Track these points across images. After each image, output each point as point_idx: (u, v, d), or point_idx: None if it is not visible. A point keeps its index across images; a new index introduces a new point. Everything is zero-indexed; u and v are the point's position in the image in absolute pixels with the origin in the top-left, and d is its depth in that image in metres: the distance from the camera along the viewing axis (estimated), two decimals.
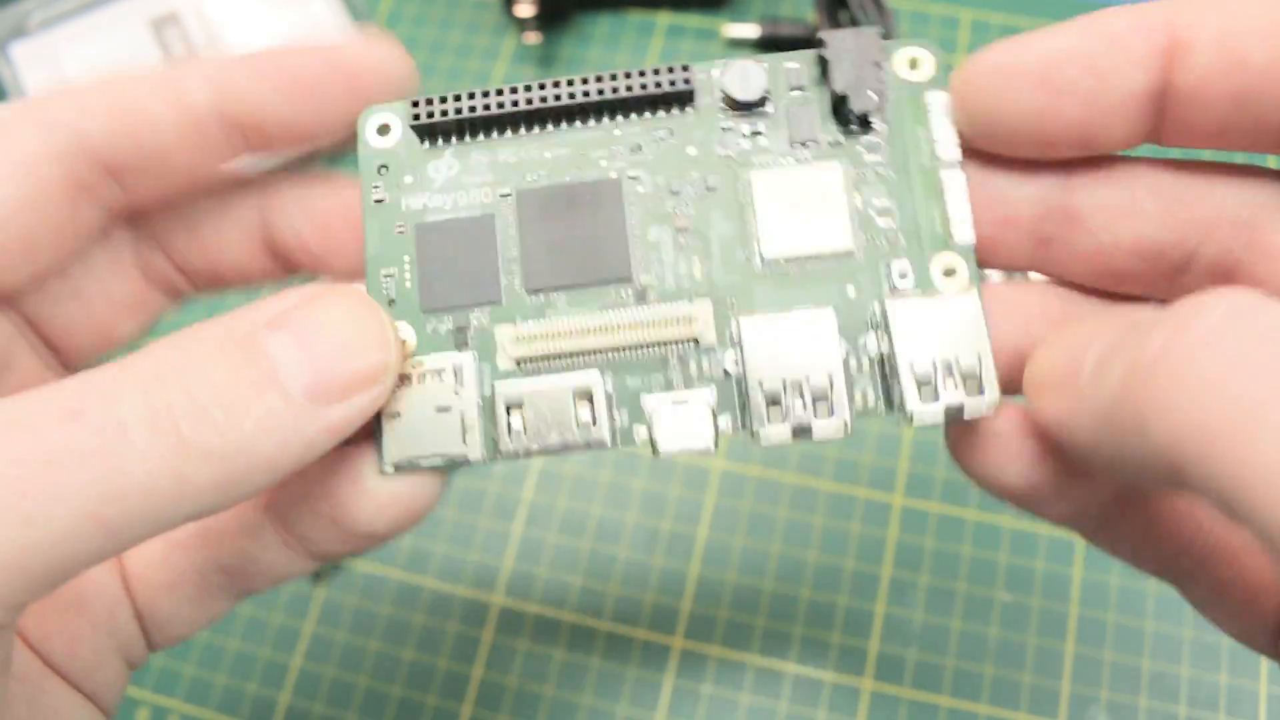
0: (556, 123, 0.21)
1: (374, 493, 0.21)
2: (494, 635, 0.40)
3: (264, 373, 0.18)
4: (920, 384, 0.19)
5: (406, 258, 0.21)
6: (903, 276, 0.20)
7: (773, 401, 0.19)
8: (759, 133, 0.21)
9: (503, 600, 0.40)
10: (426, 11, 0.53)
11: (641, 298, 0.20)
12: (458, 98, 0.21)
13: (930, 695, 0.38)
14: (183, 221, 0.24)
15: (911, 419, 0.19)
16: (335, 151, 0.23)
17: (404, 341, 0.21)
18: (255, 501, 0.23)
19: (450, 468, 0.20)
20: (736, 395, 0.20)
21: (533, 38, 0.50)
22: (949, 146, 0.20)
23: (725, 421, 0.20)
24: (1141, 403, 0.15)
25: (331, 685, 0.40)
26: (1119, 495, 0.21)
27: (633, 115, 0.21)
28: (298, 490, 0.22)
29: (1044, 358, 0.19)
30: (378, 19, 0.53)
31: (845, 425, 0.19)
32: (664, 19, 0.51)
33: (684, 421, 0.19)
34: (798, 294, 0.20)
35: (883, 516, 0.40)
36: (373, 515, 0.21)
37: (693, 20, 0.51)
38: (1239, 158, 0.20)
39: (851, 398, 0.20)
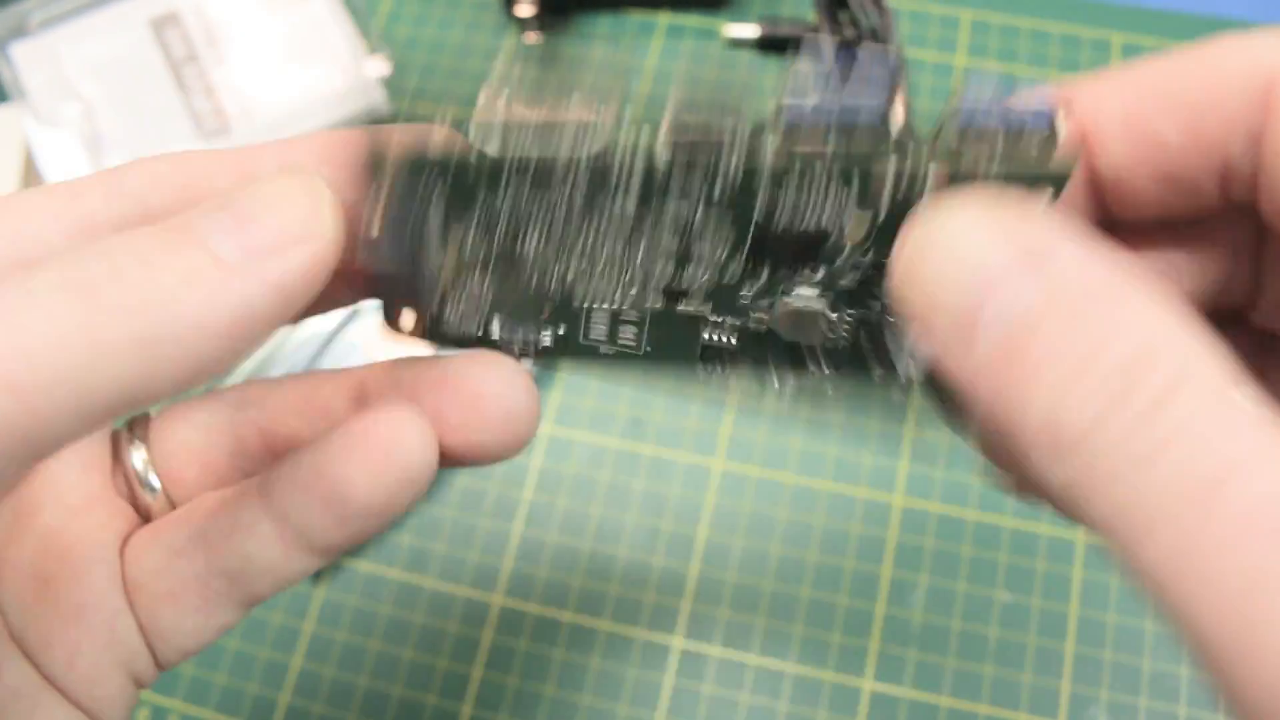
0: None
1: (366, 461, 0.20)
2: (494, 635, 0.40)
3: (190, 238, 0.17)
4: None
5: None
6: None
7: None
8: None
9: (503, 600, 0.40)
10: (426, 11, 0.53)
11: None
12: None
13: (930, 695, 0.38)
14: None
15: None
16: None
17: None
18: (251, 494, 0.22)
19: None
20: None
21: (533, 38, 0.50)
22: None
23: None
24: (1048, 474, 0.14)
25: (331, 685, 0.40)
26: None
27: None
28: (289, 474, 0.21)
29: (933, 257, 0.16)
30: (378, 19, 0.53)
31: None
32: (664, 19, 0.51)
33: None
34: None
35: (883, 516, 0.40)
36: (368, 486, 0.20)
37: (693, 20, 0.51)
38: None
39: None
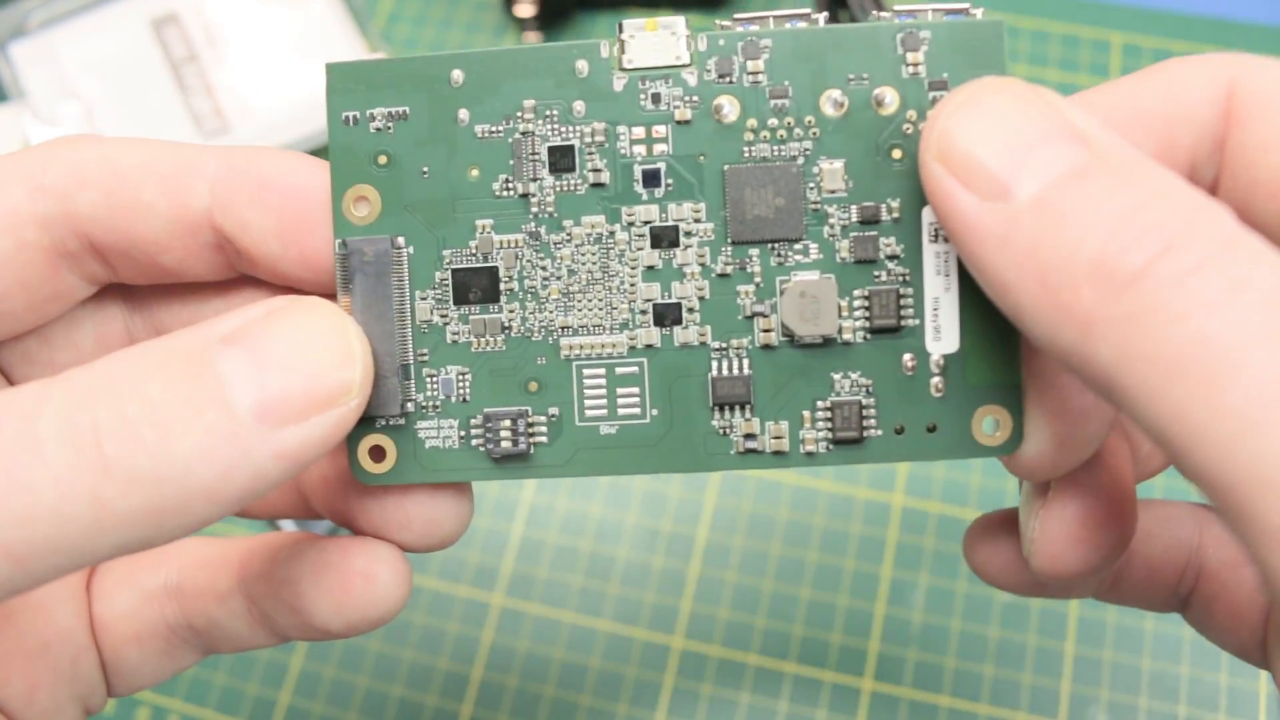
0: None
1: (332, 591, 0.20)
2: (494, 636, 0.40)
3: (207, 389, 0.16)
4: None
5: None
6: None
7: None
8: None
9: (503, 600, 0.40)
10: (426, 11, 0.53)
11: None
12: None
13: (930, 695, 0.38)
14: (172, 294, 0.22)
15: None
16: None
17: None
18: (229, 567, 0.22)
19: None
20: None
21: (533, 38, 0.50)
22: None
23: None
24: (1099, 313, 0.14)
25: (331, 685, 0.40)
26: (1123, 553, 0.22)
27: None
28: (265, 569, 0.21)
29: (966, 128, 0.16)
30: (377, 19, 0.53)
31: None
32: (663, 18, 0.51)
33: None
34: None
35: (883, 516, 0.40)
36: (330, 613, 0.20)
37: (692, 20, 0.51)
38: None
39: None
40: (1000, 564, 0.22)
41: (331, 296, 0.20)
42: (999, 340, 0.19)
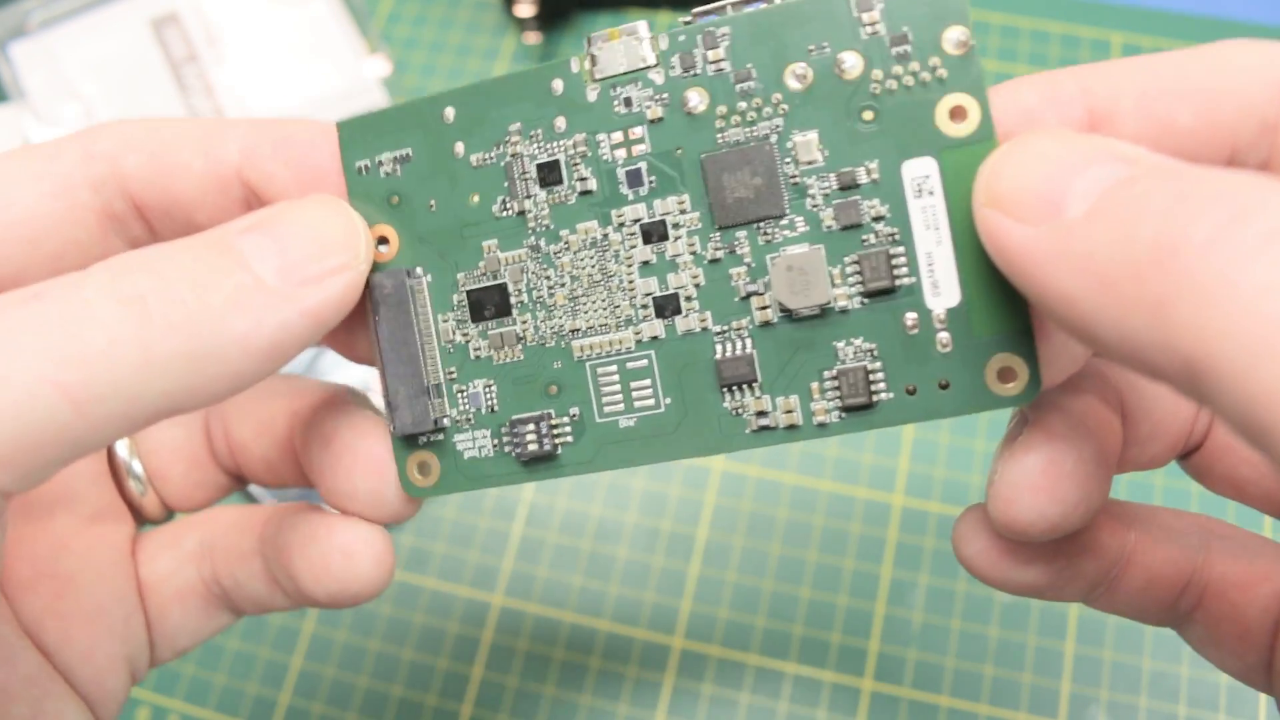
0: None
1: (314, 564, 0.22)
2: (494, 635, 0.40)
3: (234, 260, 0.18)
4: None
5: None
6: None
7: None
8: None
9: (503, 600, 0.40)
10: (426, 11, 0.53)
11: None
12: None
13: (930, 695, 0.38)
14: None
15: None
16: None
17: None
18: (252, 529, 0.24)
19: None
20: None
21: (533, 38, 0.50)
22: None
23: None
24: (1169, 292, 0.13)
25: (331, 685, 0.40)
26: (1116, 558, 0.21)
27: None
28: (271, 534, 0.23)
29: (1012, 166, 0.17)
30: (377, 19, 0.53)
31: None
32: (664, 19, 0.51)
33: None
34: None
35: (883, 516, 0.40)
36: (313, 583, 0.22)
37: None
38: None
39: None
40: (992, 556, 0.21)
41: None
42: (1002, 287, 0.18)
